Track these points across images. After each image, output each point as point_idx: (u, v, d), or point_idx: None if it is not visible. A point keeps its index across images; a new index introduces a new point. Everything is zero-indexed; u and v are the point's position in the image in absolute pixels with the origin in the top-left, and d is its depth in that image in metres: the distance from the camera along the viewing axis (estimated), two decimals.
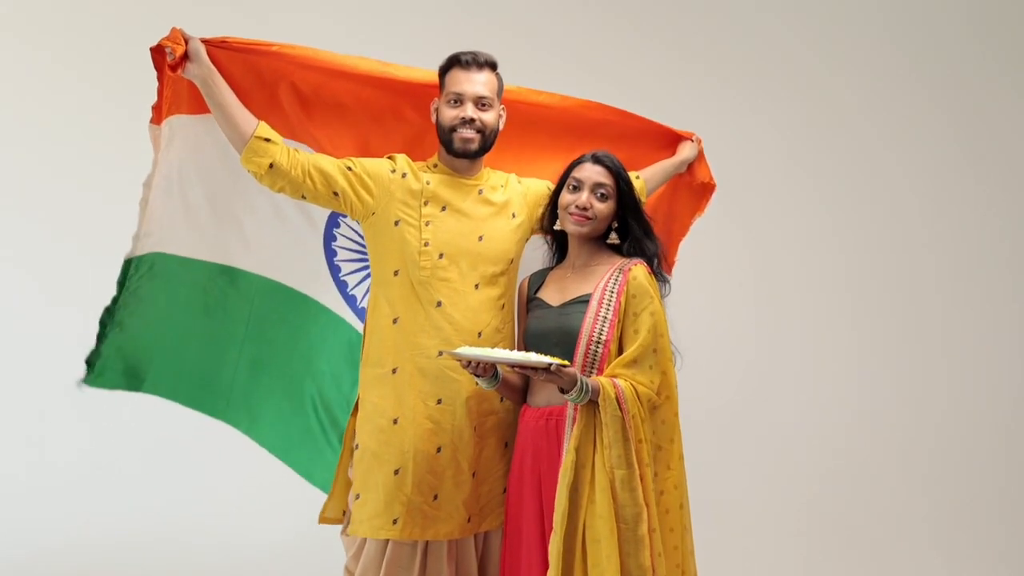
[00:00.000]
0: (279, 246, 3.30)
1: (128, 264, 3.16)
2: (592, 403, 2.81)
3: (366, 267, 3.32)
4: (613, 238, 3.01)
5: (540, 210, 3.19)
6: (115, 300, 3.17)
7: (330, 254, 3.37)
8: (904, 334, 5.27)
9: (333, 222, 3.34)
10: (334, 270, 3.37)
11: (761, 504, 5.05)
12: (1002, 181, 5.34)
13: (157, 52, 2.95)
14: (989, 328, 5.30)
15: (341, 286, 3.37)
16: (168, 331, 3.25)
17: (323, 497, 3.28)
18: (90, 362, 3.17)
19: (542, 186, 3.26)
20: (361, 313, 3.33)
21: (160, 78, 3.02)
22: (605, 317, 2.89)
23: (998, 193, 5.34)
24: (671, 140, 3.56)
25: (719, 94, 5.18)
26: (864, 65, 5.31)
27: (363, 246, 3.28)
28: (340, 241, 3.35)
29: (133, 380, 3.25)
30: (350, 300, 3.38)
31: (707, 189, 3.61)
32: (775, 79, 5.27)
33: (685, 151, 3.55)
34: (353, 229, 3.35)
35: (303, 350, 3.35)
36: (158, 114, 3.10)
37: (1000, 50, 5.35)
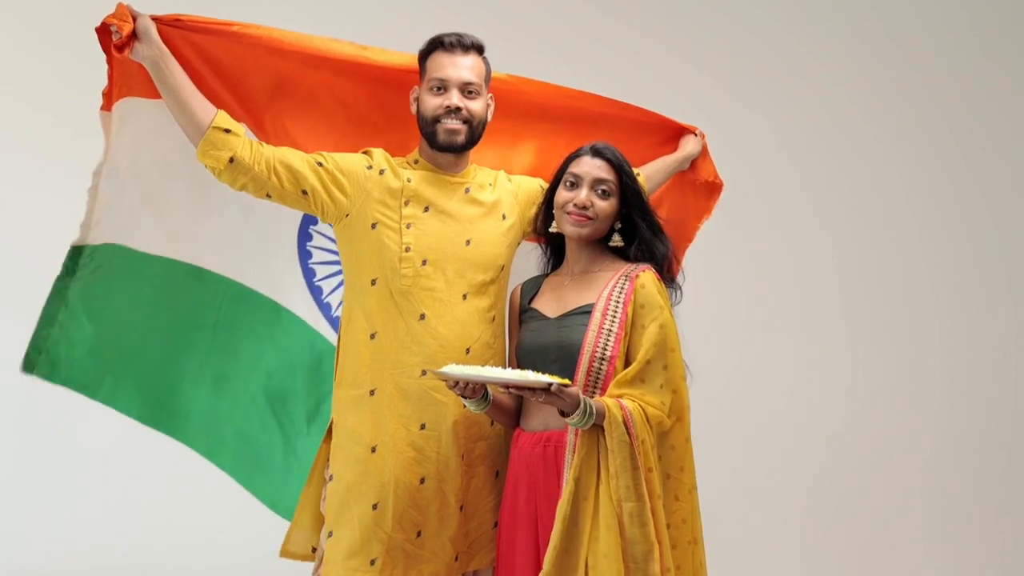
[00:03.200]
0: (248, 245, 3.02)
1: (78, 251, 2.84)
2: (596, 427, 2.52)
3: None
4: (616, 240, 2.72)
5: (532, 211, 2.91)
6: (60, 289, 2.84)
7: (304, 255, 3.08)
8: (899, 337, 5.21)
9: (310, 219, 3.05)
10: (308, 273, 3.09)
11: (752, 510, 4.97)
12: (1000, 181, 5.30)
13: (103, 32, 2.66)
14: (985, 329, 5.25)
15: (315, 291, 3.09)
16: (126, 335, 2.96)
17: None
18: (32, 353, 2.85)
19: (534, 184, 2.98)
20: (335, 322, 3.06)
21: (109, 61, 2.73)
22: (610, 330, 2.60)
23: (996, 194, 5.29)
24: (673, 134, 3.31)
25: (714, 92, 5.05)
26: (860, 63, 5.23)
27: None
28: (316, 240, 3.07)
29: (88, 383, 2.94)
30: (324, 308, 3.10)
31: (713, 188, 3.36)
32: (770, 78, 5.17)
33: (689, 146, 3.28)
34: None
35: (268, 364, 3.09)
36: (108, 100, 2.80)
37: (1000, 50, 5.29)
